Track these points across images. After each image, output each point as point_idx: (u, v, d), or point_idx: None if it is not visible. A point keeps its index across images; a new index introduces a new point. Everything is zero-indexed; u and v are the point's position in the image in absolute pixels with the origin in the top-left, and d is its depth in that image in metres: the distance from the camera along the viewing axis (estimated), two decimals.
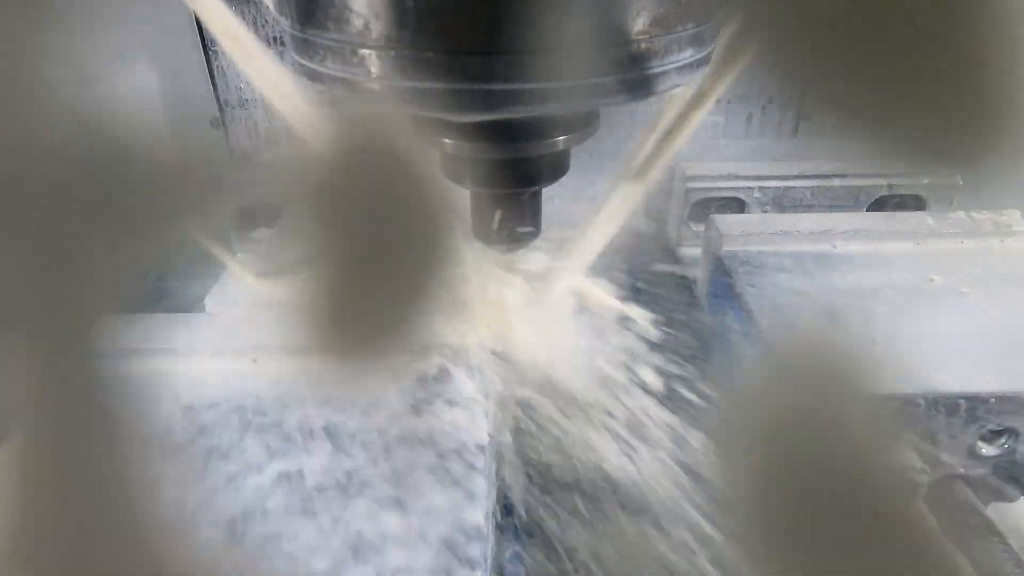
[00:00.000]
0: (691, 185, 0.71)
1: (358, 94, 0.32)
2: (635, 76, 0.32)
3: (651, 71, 0.32)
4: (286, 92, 0.44)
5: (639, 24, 0.31)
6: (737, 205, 0.73)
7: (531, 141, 0.38)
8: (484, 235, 0.45)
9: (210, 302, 0.53)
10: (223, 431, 0.37)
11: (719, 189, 0.72)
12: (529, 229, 0.44)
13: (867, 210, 0.73)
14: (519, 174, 0.40)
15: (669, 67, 0.33)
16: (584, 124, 0.39)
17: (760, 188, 0.72)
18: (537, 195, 0.44)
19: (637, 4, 0.30)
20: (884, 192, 0.73)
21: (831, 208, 0.73)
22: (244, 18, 0.60)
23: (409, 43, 0.29)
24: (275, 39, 0.62)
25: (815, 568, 0.18)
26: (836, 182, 0.72)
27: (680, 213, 0.73)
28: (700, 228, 0.69)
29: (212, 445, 0.36)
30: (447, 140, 0.38)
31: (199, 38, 0.62)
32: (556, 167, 0.40)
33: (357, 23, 0.30)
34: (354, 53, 0.31)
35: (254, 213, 0.66)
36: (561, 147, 0.38)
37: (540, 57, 0.29)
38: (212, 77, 0.64)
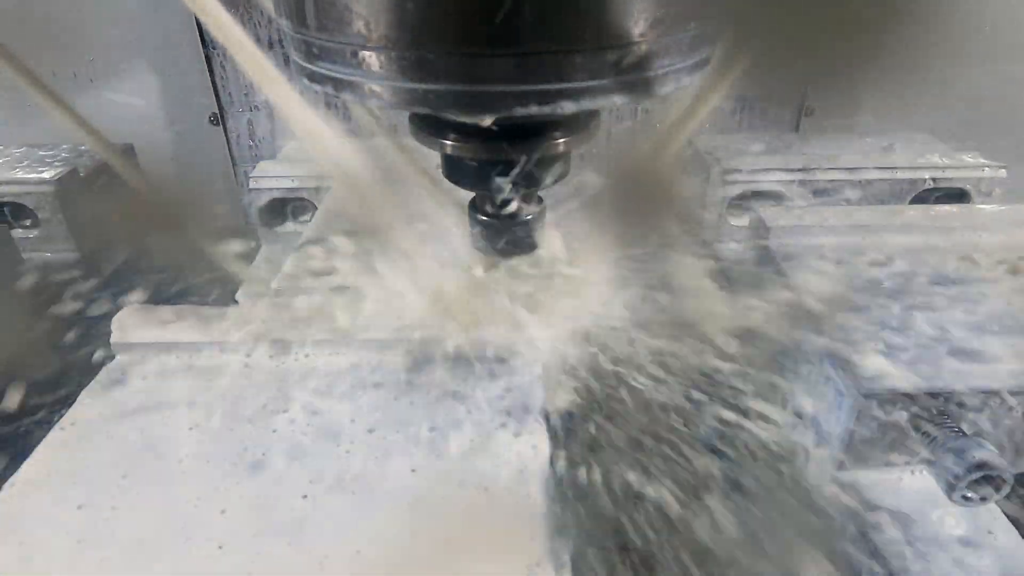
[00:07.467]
0: (731, 178, 0.70)
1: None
2: None
3: None
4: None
5: None
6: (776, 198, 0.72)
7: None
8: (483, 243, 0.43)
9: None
10: None
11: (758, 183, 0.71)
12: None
13: (910, 203, 0.71)
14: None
15: None
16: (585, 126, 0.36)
17: (800, 181, 0.71)
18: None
19: None
20: (928, 185, 0.70)
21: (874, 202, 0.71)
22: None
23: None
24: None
25: None
26: (876, 175, 0.69)
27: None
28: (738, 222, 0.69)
29: None
30: (448, 143, 0.36)
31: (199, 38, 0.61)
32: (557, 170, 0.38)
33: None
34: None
35: (283, 207, 0.66)
36: (561, 148, 0.36)
37: None
38: (212, 74, 0.62)
